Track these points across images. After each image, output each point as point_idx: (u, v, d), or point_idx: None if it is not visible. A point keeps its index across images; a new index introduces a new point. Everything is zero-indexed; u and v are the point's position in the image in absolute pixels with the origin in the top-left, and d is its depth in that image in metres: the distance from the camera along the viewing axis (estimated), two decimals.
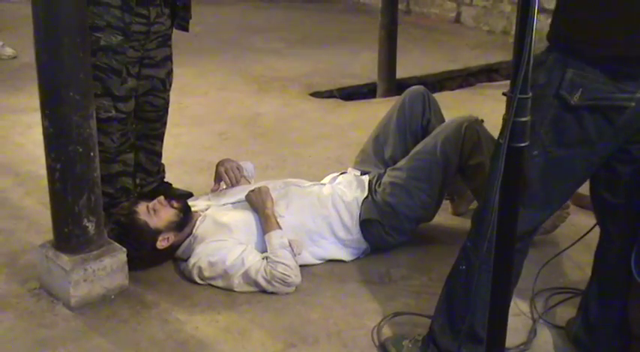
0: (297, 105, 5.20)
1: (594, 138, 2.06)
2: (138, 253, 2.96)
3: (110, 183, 3.26)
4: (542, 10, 6.59)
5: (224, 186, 3.32)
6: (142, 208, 2.97)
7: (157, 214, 2.97)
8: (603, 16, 1.98)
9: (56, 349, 2.56)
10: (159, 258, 3.05)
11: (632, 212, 2.24)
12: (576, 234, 2.62)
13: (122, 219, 2.97)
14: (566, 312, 2.74)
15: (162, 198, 3.04)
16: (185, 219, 3.03)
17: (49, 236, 2.87)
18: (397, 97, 3.50)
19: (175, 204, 3.03)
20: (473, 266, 2.24)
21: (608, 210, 2.31)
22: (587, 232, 2.47)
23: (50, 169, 2.70)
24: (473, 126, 3.12)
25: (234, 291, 2.87)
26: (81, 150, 2.66)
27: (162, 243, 2.98)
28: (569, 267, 3.07)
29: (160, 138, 3.58)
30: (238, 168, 3.31)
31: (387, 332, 2.66)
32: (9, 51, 6.09)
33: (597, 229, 2.42)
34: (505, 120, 1.72)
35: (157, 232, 2.96)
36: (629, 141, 2.11)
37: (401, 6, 6.61)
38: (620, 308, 2.39)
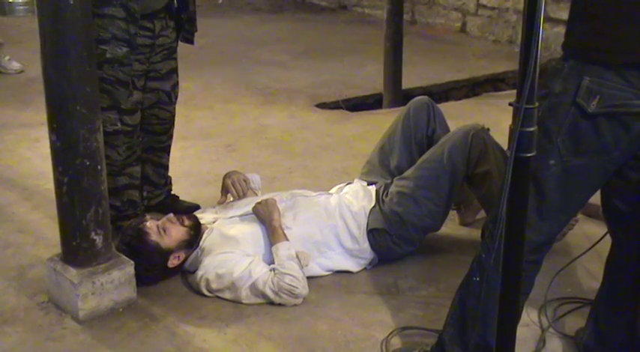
0: (302, 116, 5.21)
1: (611, 146, 2.05)
2: (149, 273, 2.96)
3: (117, 195, 3.27)
4: (548, 19, 6.59)
5: (231, 199, 3.32)
6: (152, 228, 2.97)
7: (167, 234, 2.96)
8: (621, 24, 1.98)
9: None
10: (169, 275, 3.05)
11: None
12: (586, 243, 2.62)
13: (132, 241, 2.96)
14: (576, 322, 2.73)
15: (172, 216, 3.03)
16: (196, 235, 3.03)
17: (57, 249, 2.88)
18: (403, 108, 3.51)
19: (186, 222, 3.02)
20: (487, 277, 2.24)
21: (619, 218, 2.31)
22: (598, 241, 2.46)
23: (58, 183, 2.71)
24: (479, 135, 3.12)
25: (242, 303, 2.87)
26: (88, 163, 2.67)
27: (173, 262, 2.98)
28: (579, 277, 3.06)
29: (167, 150, 3.59)
30: (245, 181, 3.32)
31: (395, 343, 2.65)
32: (16, 65, 6.11)
33: (608, 238, 2.41)
34: (512, 130, 1.71)
35: (169, 252, 2.96)
36: None
37: (406, 16, 6.60)
38: (631, 317, 2.38)
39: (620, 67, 1.98)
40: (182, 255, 2.99)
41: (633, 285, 2.32)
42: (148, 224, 2.99)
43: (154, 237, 2.95)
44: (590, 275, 3.02)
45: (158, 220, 3.02)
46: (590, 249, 2.55)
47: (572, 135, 2.06)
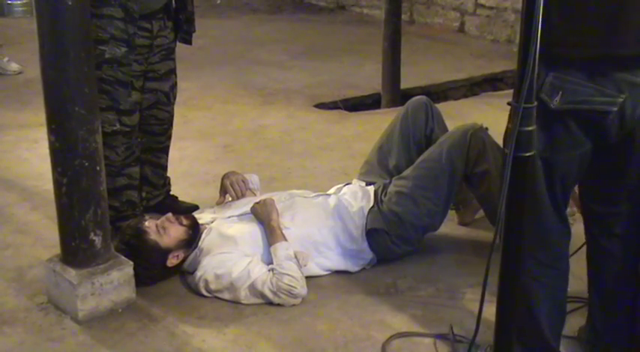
0: (301, 116, 5.21)
1: (582, 139, 2.08)
2: (148, 272, 2.96)
3: (116, 196, 3.26)
4: None
5: (229, 199, 3.32)
6: (151, 227, 2.97)
7: (166, 232, 2.97)
8: (577, 18, 2.00)
9: None
10: (168, 275, 3.05)
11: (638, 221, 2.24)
12: (580, 243, 2.60)
13: (132, 240, 2.96)
14: (576, 322, 2.72)
15: (170, 215, 3.04)
16: (194, 235, 3.03)
17: (56, 250, 2.87)
18: (401, 108, 3.51)
19: (184, 221, 3.02)
20: (529, 281, 2.25)
21: (595, 218, 2.32)
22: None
23: (57, 184, 2.71)
24: (478, 134, 3.12)
25: (241, 303, 2.87)
26: (87, 164, 2.67)
27: (172, 261, 2.98)
28: (576, 276, 3.05)
29: (166, 151, 3.59)
30: (243, 181, 3.32)
31: (395, 346, 2.65)
32: (14, 66, 6.11)
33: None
34: (509, 129, 1.72)
35: (168, 251, 2.96)
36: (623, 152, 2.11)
37: (404, 16, 6.60)
38: (626, 316, 2.38)
39: (579, 61, 2.00)
40: (181, 254, 2.99)
41: (626, 285, 2.33)
42: (146, 223, 2.99)
43: (152, 235, 2.95)
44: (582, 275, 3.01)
45: (157, 220, 3.02)
46: (581, 247, 2.55)
47: (545, 132, 2.07)
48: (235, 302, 2.88)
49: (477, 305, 2.04)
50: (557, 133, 2.07)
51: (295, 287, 2.84)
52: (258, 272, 2.87)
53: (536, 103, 1.71)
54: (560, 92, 2.01)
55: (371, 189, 3.26)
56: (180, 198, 3.71)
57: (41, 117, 2.74)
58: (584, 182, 2.25)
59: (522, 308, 2.26)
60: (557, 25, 2.00)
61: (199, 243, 3.03)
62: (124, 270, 2.84)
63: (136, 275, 2.88)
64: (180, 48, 3.44)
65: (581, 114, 2.03)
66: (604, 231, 2.32)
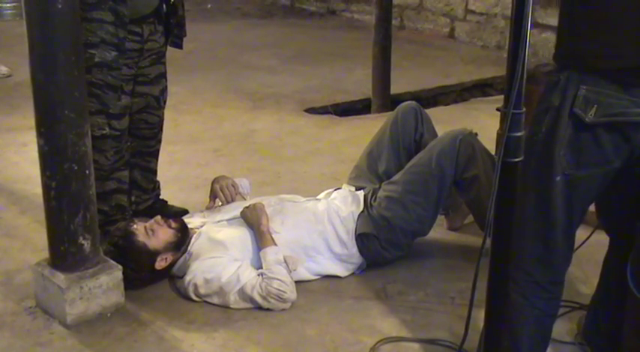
0: (291, 121, 5.21)
1: (612, 156, 2.03)
2: (136, 274, 2.95)
3: (105, 200, 3.25)
4: (535, 25, 6.57)
5: (219, 203, 3.32)
6: (139, 229, 2.97)
7: (154, 235, 2.96)
8: (612, 29, 1.96)
9: None
10: (157, 278, 3.04)
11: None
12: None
13: (120, 241, 2.96)
14: (564, 326, 2.73)
15: (159, 217, 3.03)
16: (183, 238, 3.02)
17: (45, 254, 2.87)
18: (391, 113, 3.52)
19: (173, 224, 3.02)
20: (519, 300, 2.20)
21: (615, 220, 2.31)
22: (580, 245, 2.47)
23: (46, 187, 2.70)
24: (467, 139, 3.13)
25: (230, 308, 2.87)
26: (76, 168, 2.66)
27: (160, 264, 2.97)
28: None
29: (155, 155, 3.58)
30: (233, 185, 3.32)
31: (384, 351, 2.65)
32: (3, 69, 6.08)
33: (591, 241, 2.41)
34: (499, 135, 1.72)
35: (156, 253, 2.96)
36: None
37: (394, 22, 6.60)
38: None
39: (615, 73, 1.95)
40: (169, 257, 2.99)
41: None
42: (135, 225, 2.99)
43: (141, 237, 2.95)
44: (576, 278, 3.03)
45: (146, 222, 3.02)
46: (579, 247, 2.56)
47: (573, 147, 2.02)
48: (224, 307, 2.88)
49: (466, 310, 2.05)
50: (586, 148, 2.02)
51: (285, 292, 2.84)
52: (248, 276, 2.87)
53: (524, 110, 1.71)
54: (595, 105, 1.96)
55: (360, 193, 3.27)
56: (169, 203, 3.70)
57: (30, 120, 2.73)
58: (611, 200, 2.21)
59: (505, 327, 2.19)
60: (588, 37, 1.97)
61: (189, 248, 3.03)
62: (113, 274, 2.83)
63: (125, 278, 2.88)
64: (171, 52, 3.44)
65: (615, 128, 1.99)
66: (619, 231, 2.31)
